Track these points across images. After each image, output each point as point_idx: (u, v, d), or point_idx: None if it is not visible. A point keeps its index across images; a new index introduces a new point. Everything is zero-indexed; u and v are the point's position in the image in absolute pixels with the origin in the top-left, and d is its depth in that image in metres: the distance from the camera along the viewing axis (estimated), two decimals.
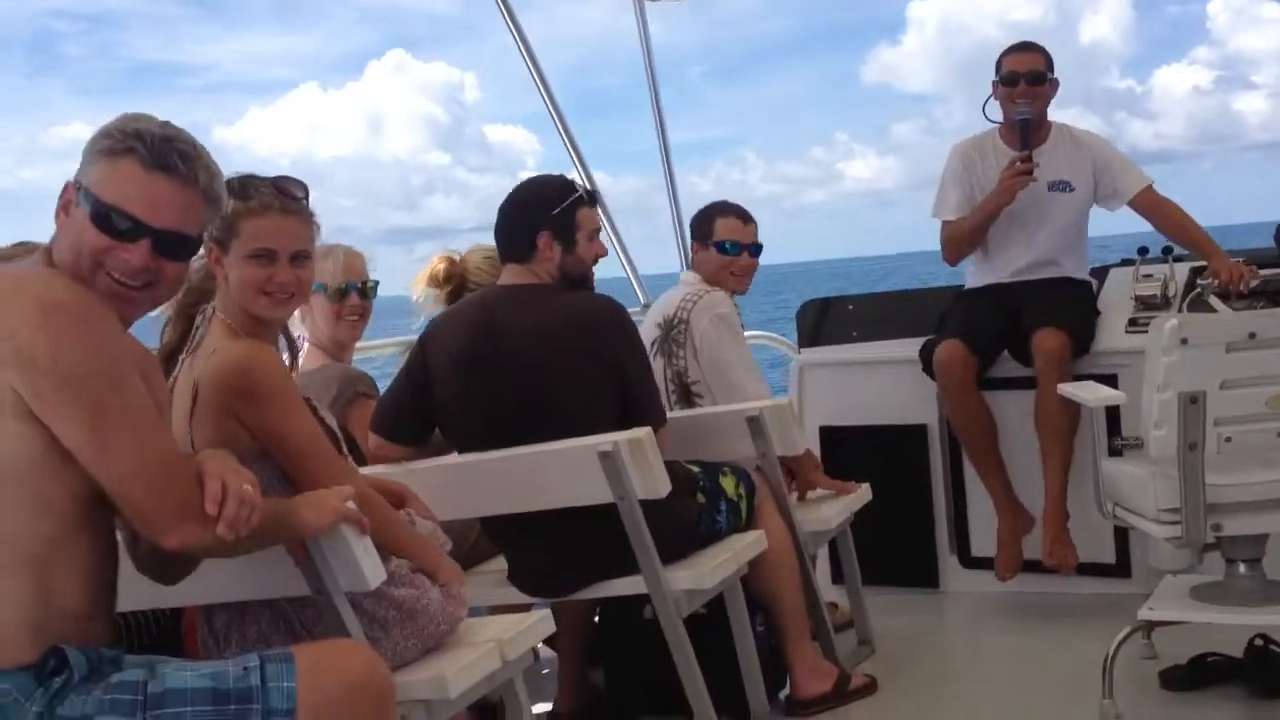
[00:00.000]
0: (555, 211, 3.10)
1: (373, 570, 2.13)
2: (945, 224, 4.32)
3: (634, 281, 5.40)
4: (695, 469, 3.26)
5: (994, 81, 4.26)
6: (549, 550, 3.03)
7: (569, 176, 3.27)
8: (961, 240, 4.29)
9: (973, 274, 4.40)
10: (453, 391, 3.07)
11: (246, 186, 2.31)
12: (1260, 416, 3.02)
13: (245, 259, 2.31)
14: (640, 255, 5.42)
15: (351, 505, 2.10)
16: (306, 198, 2.37)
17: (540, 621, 2.48)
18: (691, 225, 3.96)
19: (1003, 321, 4.16)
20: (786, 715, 3.30)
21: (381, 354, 4.20)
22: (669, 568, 2.96)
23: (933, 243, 4.44)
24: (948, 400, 4.12)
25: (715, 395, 3.66)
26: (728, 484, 3.28)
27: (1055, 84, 4.27)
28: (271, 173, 2.39)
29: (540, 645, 3.59)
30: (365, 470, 2.77)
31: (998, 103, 4.28)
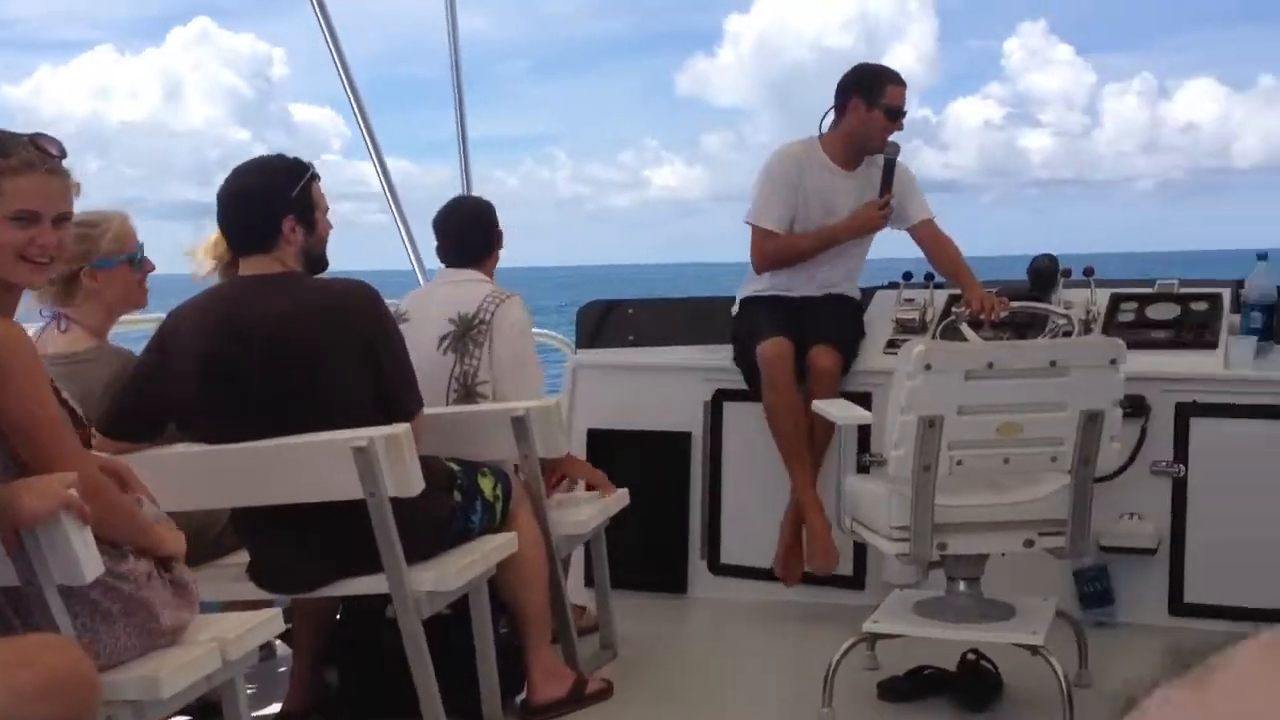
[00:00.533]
0: (295, 194, 3.06)
1: (90, 563, 2.08)
2: (767, 233, 4.23)
3: (420, 274, 5.36)
4: (455, 466, 3.26)
5: (859, 100, 4.18)
6: (293, 545, 2.99)
7: (290, 156, 3.18)
8: (786, 257, 4.25)
9: (765, 281, 4.35)
10: (196, 389, 2.99)
11: (4, 144, 2.22)
12: (991, 442, 3.18)
13: (5, 220, 2.21)
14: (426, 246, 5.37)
15: (74, 493, 2.05)
16: (64, 156, 2.29)
17: (269, 620, 2.46)
18: (486, 228, 3.93)
19: (796, 331, 4.23)
20: (520, 719, 3.33)
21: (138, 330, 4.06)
22: (414, 567, 2.95)
23: (737, 255, 4.45)
24: (773, 395, 4.12)
25: (504, 395, 3.66)
26: (485, 484, 3.29)
27: None
28: (58, 136, 2.30)
29: (278, 643, 3.57)
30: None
31: (841, 116, 4.22)
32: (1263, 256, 4.17)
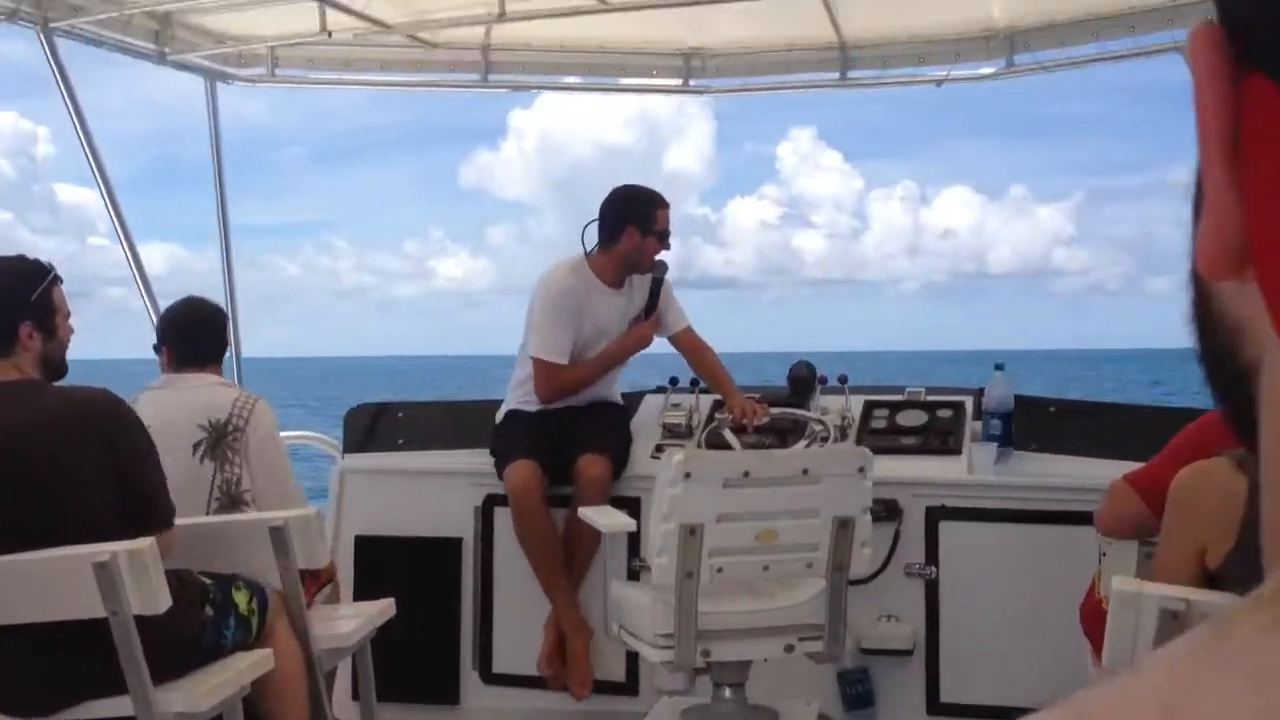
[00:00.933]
0: (34, 298, 2.96)
1: None
2: (554, 366, 4.24)
3: None
4: (207, 580, 3.15)
5: (633, 227, 4.26)
6: (31, 665, 2.83)
7: (30, 256, 3.11)
8: (570, 388, 4.31)
9: (525, 396, 4.39)
10: None
11: None
12: (750, 549, 3.26)
13: None
14: None
15: None
16: None
17: None
18: (220, 329, 3.85)
19: (556, 443, 4.26)
20: None
21: None
22: (162, 688, 2.83)
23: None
24: (520, 520, 4.15)
25: (268, 504, 3.56)
26: (240, 597, 3.19)
27: None
28: None
29: None
30: None
31: (614, 240, 4.28)
32: (999, 366, 4.43)
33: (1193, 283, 0.36)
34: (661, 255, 4.33)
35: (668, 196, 4.47)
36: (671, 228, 4.36)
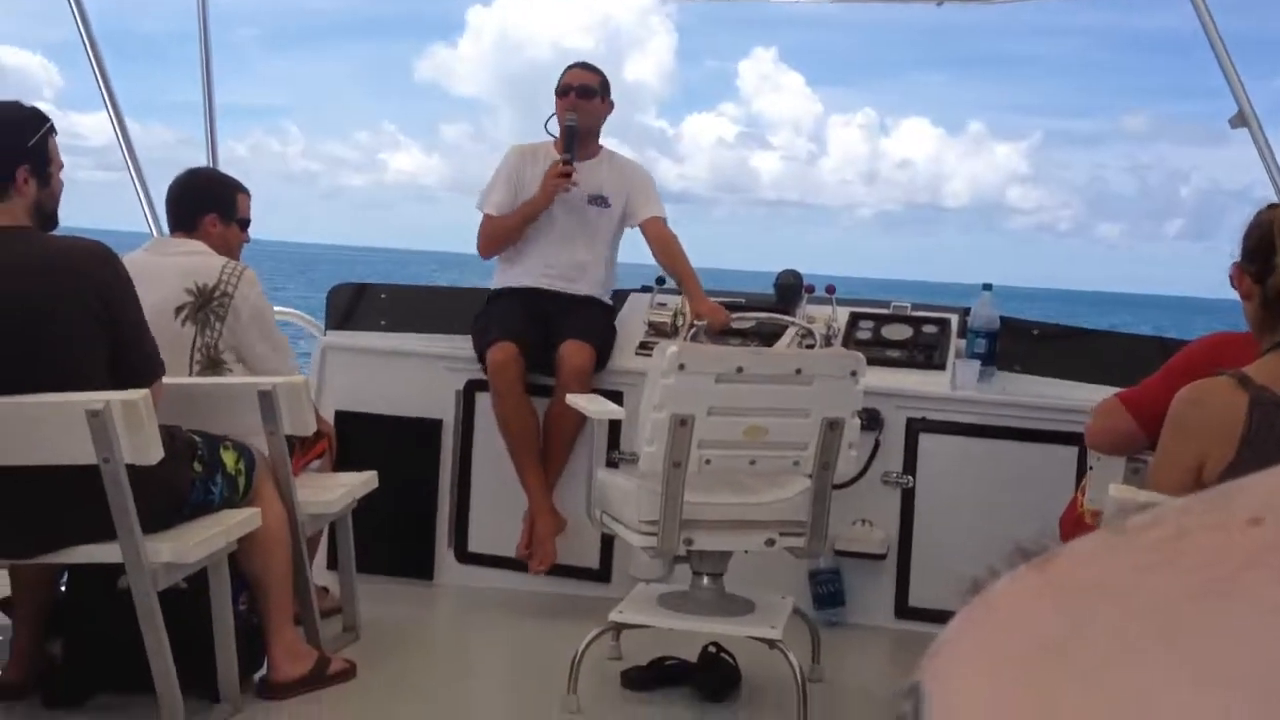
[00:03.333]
0: (31, 143, 2.91)
1: None
2: (486, 218, 4.43)
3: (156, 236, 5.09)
4: (196, 438, 3.14)
5: (556, 93, 4.46)
6: (16, 508, 2.81)
7: (28, 104, 3.05)
8: (498, 236, 4.43)
9: (505, 274, 4.49)
10: None
11: None
12: (738, 444, 3.28)
13: None
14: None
15: None
16: None
17: None
18: (206, 195, 3.79)
19: (538, 329, 4.29)
20: (259, 696, 3.24)
21: None
22: (150, 538, 2.83)
23: (472, 246, 4.54)
24: (499, 400, 4.18)
25: (268, 368, 3.55)
26: (228, 457, 3.19)
27: (608, 105, 4.51)
28: None
29: None
30: None
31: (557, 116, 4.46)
32: (988, 287, 4.46)
33: None
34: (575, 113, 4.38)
35: (625, 105, 4.69)
36: (573, 82, 4.43)
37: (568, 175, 4.29)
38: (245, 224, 3.80)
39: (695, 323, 4.40)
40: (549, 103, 4.55)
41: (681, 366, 3.18)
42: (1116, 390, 3.03)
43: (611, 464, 4.07)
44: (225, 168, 3.91)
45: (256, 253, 3.86)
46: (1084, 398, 3.64)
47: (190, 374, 3.49)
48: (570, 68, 4.53)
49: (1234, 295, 2.66)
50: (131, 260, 3.43)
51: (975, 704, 0.30)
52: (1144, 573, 0.30)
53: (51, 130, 2.99)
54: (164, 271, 3.54)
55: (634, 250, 4.70)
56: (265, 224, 4.04)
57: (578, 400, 3.74)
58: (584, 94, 4.42)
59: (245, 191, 3.88)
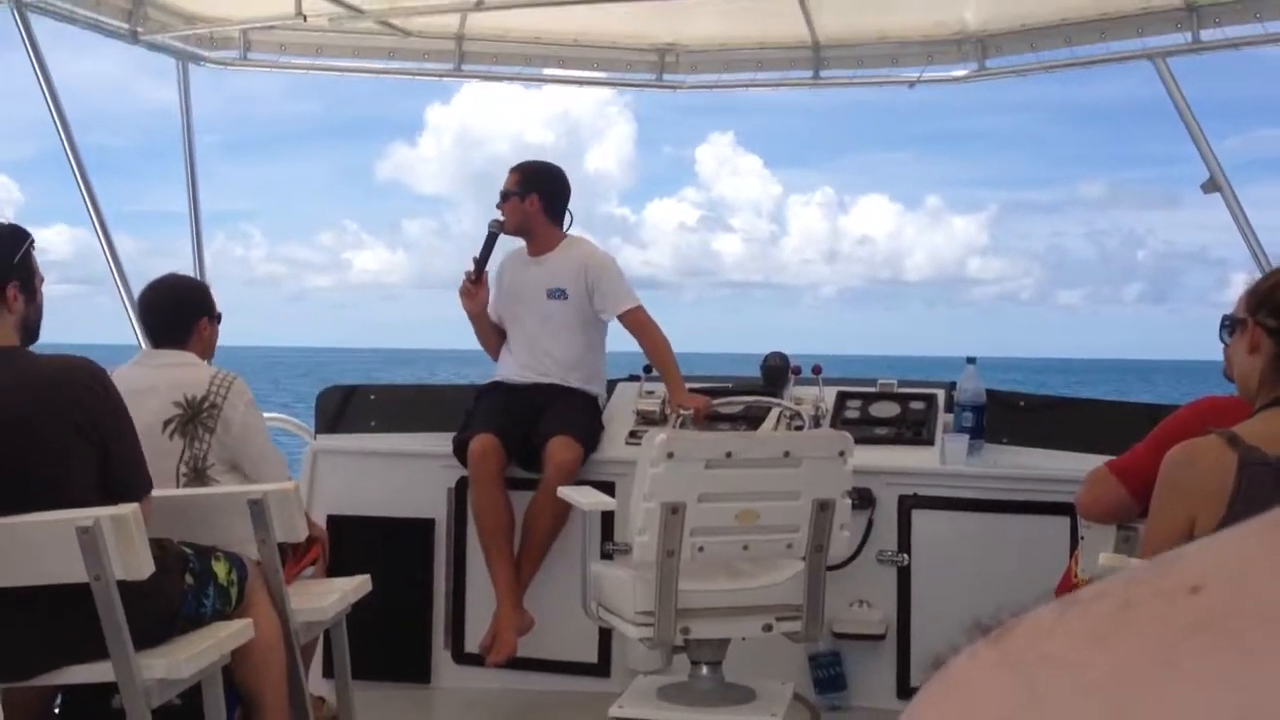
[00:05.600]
0: (17, 259, 2.94)
1: None
2: None
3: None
4: (188, 550, 3.13)
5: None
6: (8, 629, 2.79)
7: (5, 221, 3.09)
8: (480, 340, 4.58)
9: (497, 370, 4.58)
10: None
11: None
12: (730, 529, 3.29)
13: None
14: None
15: None
16: None
17: None
18: (195, 300, 3.81)
19: (520, 425, 4.31)
20: None
21: None
22: (143, 654, 2.80)
23: (438, 340, 4.63)
24: (475, 491, 4.20)
25: (261, 477, 3.55)
26: (219, 568, 3.17)
27: (532, 201, 4.50)
28: None
29: None
30: None
31: None
32: (972, 360, 4.49)
33: None
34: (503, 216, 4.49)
35: (587, 195, 5.10)
36: (510, 187, 4.50)
37: (473, 285, 4.47)
38: (219, 319, 3.83)
39: (681, 413, 4.42)
40: None
41: (670, 455, 3.19)
42: (1106, 459, 3.04)
43: (606, 556, 4.06)
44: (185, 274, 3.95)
45: (227, 359, 3.87)
46: (1073, 467, 3.65)
47: (177, 486, 3.49)
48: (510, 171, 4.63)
49: (1198, 355, 2.67)
50: (121, 375, 3.44)
51: None
52: (1094, 644, 0.31)
53: (32, 244, 3.02)
54: (153, 385, 3.55)
55: (621, 339, 4.74)
56: (231, 329, 4.06)
57: (570, 493, 3.74)
58: (504, 198, 4.52)
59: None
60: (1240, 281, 2.65)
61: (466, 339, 4.69)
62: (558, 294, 4.49)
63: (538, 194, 4.52)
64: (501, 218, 4.48)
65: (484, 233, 4.51)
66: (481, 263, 4.47)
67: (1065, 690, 0.30)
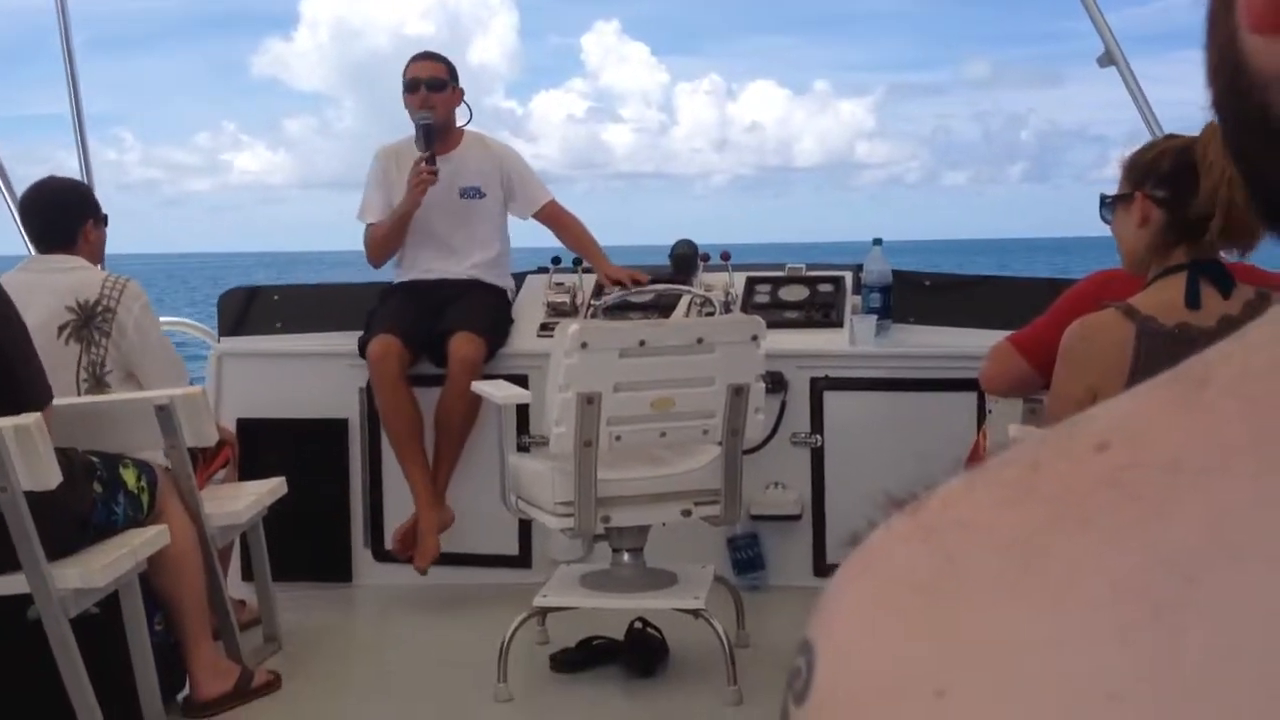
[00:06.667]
0: None
1: None
2: (368, 227, 4.39)
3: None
4: (94, 458, 3.07)
5: (405, 89, 4.37)
6: None
7: None
8: (379, 244, 4.38)
9: (397, 271, 4.49)
10: None
11: None
12: (646, 417, 3.29)
13: None
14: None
15: None
16: None
17: None
18: (80, 203, 3.68)
19: (427, 321, 4.25)
20: (184, 717, 3.18)
21: None
22: (56, 564, 2.76)
23: (327, 242, 4.50)
24: (379, 394, 4.16)
25: (157, 381, 3.48)
26: (128, 475, 3.12)
27: (459, 92, 4.43)
28: None
29: None
30: None
31: (406, 110, 4.36)
32: (878, 242, 4.52)
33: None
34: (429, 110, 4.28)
35: (472, 88, 4.59)
36: (421, 75, 4.34)
37: (431, 176, 4.20)
38: (105, 219, 3.72)
39: (604, 294, 4.40)
40: (392, 91, 4.51)
41: (584, 345, 3.18)
42: (1008, 334, 3.09)
43: (522, 448, 4.06)
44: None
45: (111, 268, 3.75)
46: (978, 344, 3.70)
47: (78, 393, 3.41)
48: (414, 60, 4.43)
49: (1080, 232, 2.70)
50: (8, 280, 3.32)
51: (858, 650, 0.32)
52: (1004, 507, 0.31)
53: None
54: (44, 290, 3.45)
55: (525, 233, 4.69)
56: (111, 236, 3.90)
57: (483, 387, 3.72)
58: (434, 87, 4.35)
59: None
60: (1120, 158, 2.66)
61: (353, 241, 4.53)
62: (473, 193, 4.38)
63: (459, 86, 4.43)
64: (427, 110, 4.28)
65: (409, 130, 4.31)
66: (431, 155, 4.22)
67: (979, 551, 0.31)
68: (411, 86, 4.35)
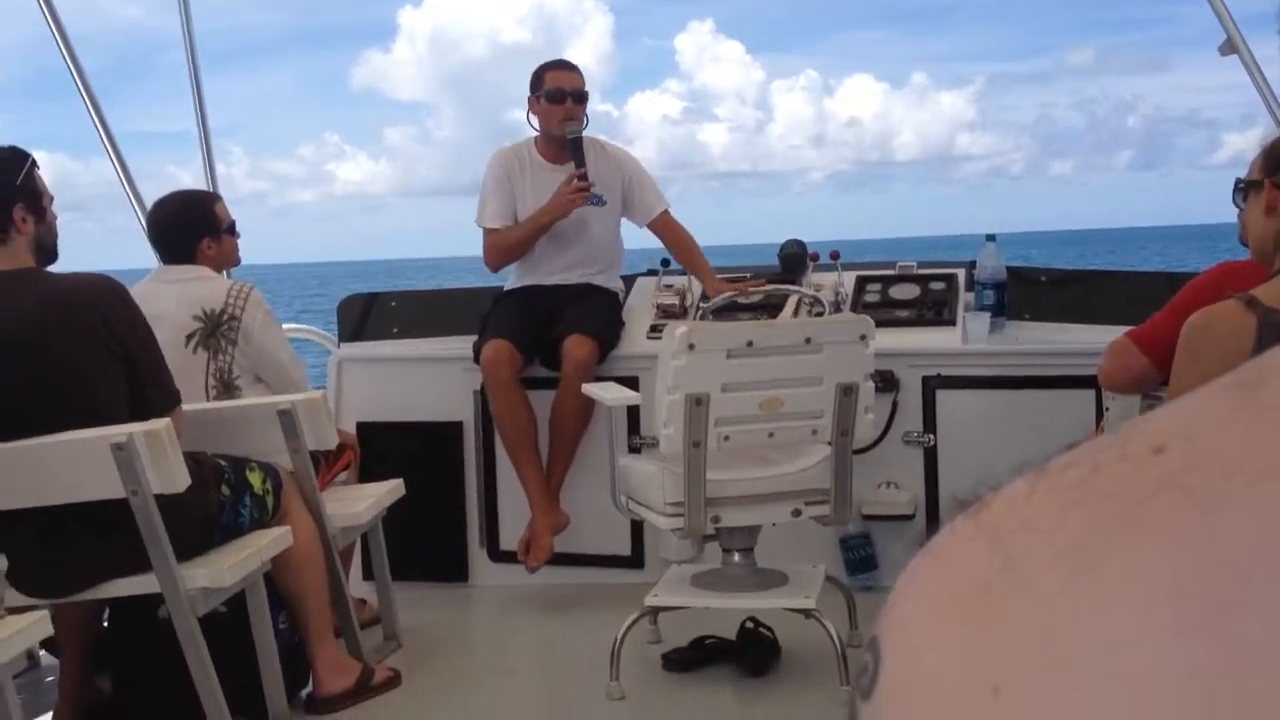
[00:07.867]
0: (19, 180, 2.94)
1: None
2: (489, 231, 4.39)
3: None
4: (222, 462, 3.18)
5: (532, 96, 4.37)
6: (50, 547, 2.85)
7: (3, 145, 3.05)
8: (508, 249, 4.37)
9: (513, 275, 4.53)
10: None
11: None
12: (755, 418, 3.30)
13: None
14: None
15: None
16: None
17: (34, 625, 2.35)
18: (192, 220, 3.74)
19: (540, 325, 4.31)
20: (308, 713, 3.28)
21: None
22: (185, 565, 2.87)
23: (428, 249, 4.53)
24: (493, 398, 4.21)
25: (279, 387, 3.59)
26: (254, 478, 3.22)
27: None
28: None
29: (42, 653, 3.39)
30: None
31: (535, 116, 4.39)
32: (991, 238, 4.46)
33: None
34: (574, 120, 4.28)
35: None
36: (571, 86, 4.32)
37: (585, 190, 4.20)
38: (232, 229, 3.79)
39: (701, 305, 4.41)
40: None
41: (691, 346, 3.19)
42: (1126, 329, 3.03)
43: (633, 449, 4.09)
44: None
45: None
46: (1095, 340, 3.63)
47: (207, 399, 3.52)
48: (553, 69, 4.40)
49: (1190, 220, 2.64)
50: (138, 292, 3.46)
51: (921, 648, 0.33)
52: (1065, 509, 0.32)
53: (35, 165, 3.00)
54: (171, 299, 3.56)
55: (638, 235, 4.71)
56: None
57: (594, 389, 3.76)
58: (581, 99, 4.34)
59: (218, 198, 3.91)
60: (1232, 143, 2.61)
61: (454, 247, 4.57)
62: (594, 200, 4.34)
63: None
64: (576, 121, 4.27)
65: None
66: (585, 170, 4.20)
67: (1038, 553, 0.31)
68: (556, 97, 4.31)
